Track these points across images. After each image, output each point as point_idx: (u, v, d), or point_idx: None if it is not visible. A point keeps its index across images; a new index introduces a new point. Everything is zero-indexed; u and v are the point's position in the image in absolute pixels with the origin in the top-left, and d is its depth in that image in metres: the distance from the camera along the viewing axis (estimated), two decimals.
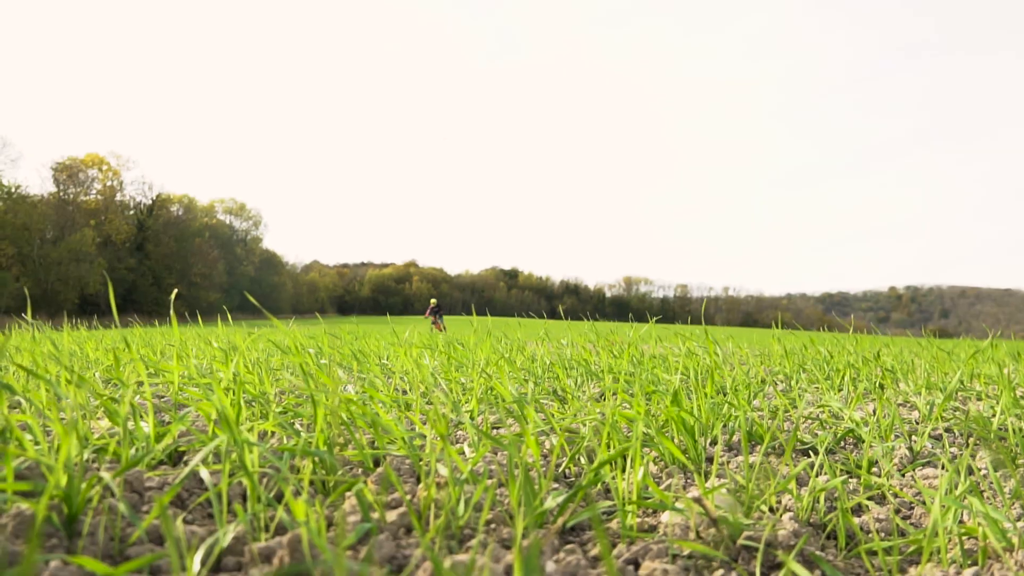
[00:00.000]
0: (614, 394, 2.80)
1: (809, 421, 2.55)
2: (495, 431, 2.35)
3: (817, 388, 3.47)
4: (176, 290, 2.37)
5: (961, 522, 1.48)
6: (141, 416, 1.78)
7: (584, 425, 2.15)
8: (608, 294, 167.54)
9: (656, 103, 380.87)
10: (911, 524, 1.51)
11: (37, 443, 1.50)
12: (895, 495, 1.70)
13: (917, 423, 2.64)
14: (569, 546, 1.22)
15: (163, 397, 2.93)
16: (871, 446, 2.08)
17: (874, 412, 2.80)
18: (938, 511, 1.22)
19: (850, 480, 1.81)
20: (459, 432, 2.23)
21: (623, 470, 1.69)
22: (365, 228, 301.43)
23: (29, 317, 2.38)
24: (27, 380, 2.04)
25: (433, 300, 30.01)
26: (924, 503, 1.59)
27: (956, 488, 1.64)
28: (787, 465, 1.84)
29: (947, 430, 2.58)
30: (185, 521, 1.31)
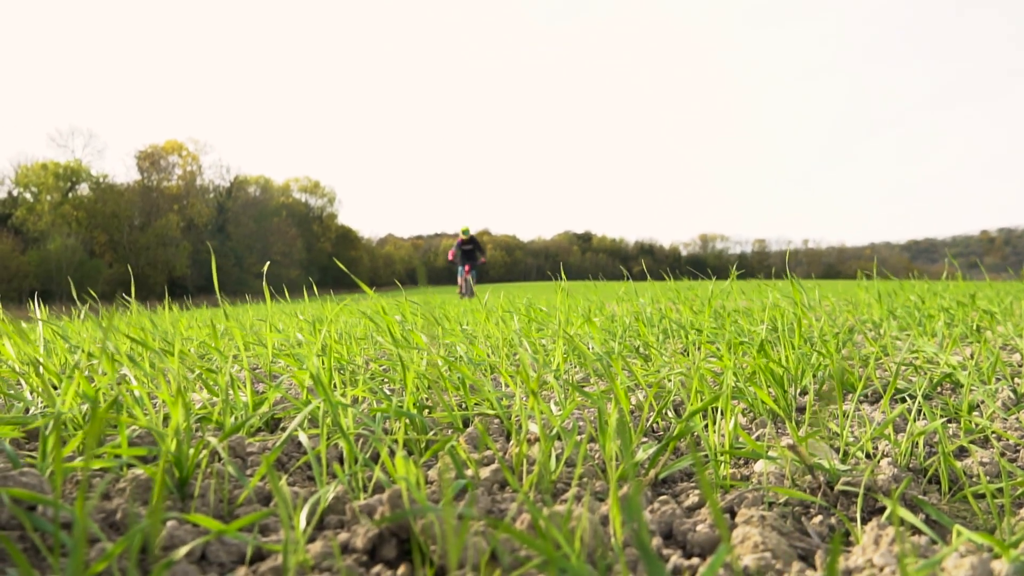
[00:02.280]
0: (698, 347, 2.77)
1: (903, 367, 2.48)
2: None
3: (908, 334, 3.36)
4: (267, 264, 2.44)
5: None
6: (238, 386, 1.85)
7: (669, 380, 2.14)
8: (684, 252, 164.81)
9: (727, 55, 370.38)
10: (1018, 467, 1.46)
11: (146, 412, 1.57)
12: (999, 438, 1.64)
13: (1019, 366, 2.54)
14: (662, 497, 1.22)
15: (256, 368, 3.03)
16: (971, 389, 2.01)
17: (972, 356, 2.70)
18: None
19: (950, 424, 1.76)
20: (544, 392, 2.24)
21: (713, 422, 1.68)
22: (437, 199, 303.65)
23: (133, 297, 2.48)
24: (131, 351, 2.14)
25: (464, 227, 18.73)
26: None
27: None
28: (883, 412, 1.79)
29: None
30: (287, 483, 1.36)
